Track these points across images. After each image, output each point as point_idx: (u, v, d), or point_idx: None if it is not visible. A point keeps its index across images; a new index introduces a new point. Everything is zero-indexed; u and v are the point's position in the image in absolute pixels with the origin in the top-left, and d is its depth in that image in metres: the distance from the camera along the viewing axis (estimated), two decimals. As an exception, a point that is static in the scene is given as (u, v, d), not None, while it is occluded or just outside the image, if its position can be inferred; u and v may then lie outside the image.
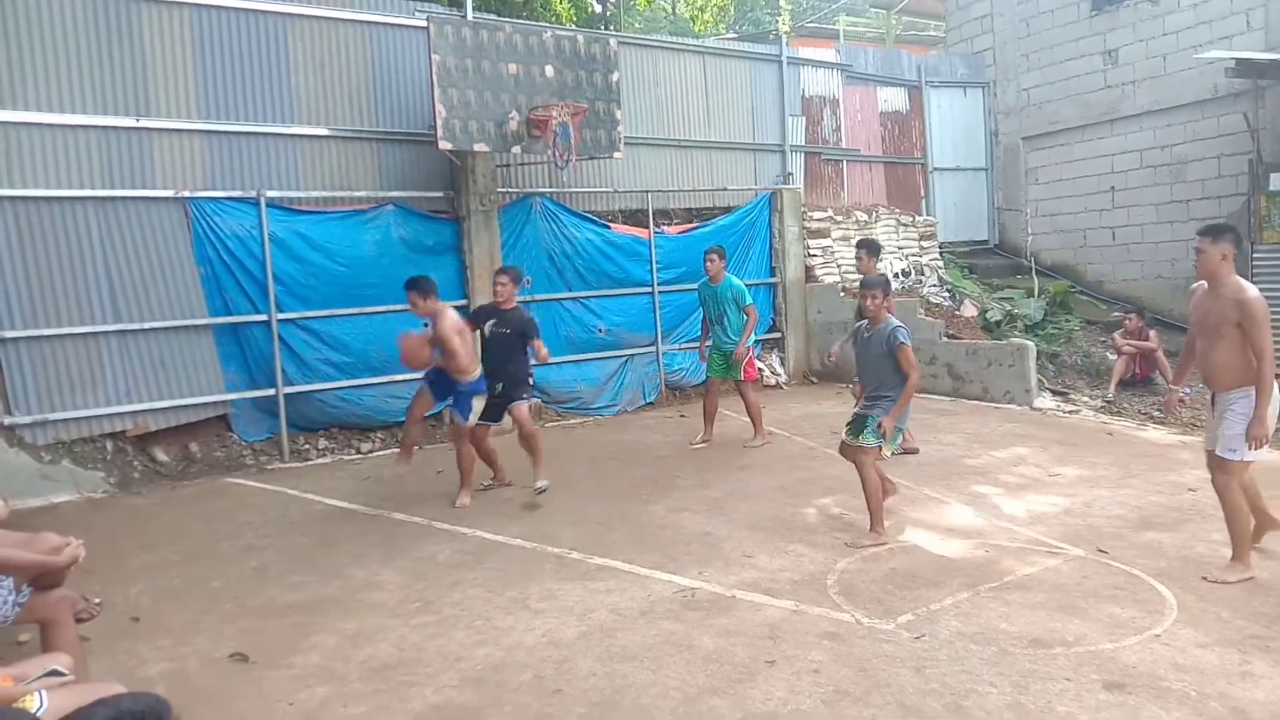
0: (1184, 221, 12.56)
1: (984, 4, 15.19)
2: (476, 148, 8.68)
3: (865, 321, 6.12)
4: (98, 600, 3.97)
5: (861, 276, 8.35)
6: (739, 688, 3.81)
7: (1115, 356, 10.77)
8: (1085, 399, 10.14)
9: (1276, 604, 4.53)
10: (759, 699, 3.73)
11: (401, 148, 9.43)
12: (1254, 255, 11.11)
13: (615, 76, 9.43)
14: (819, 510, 6.41)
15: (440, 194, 9.52)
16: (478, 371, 6.94)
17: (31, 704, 2.73)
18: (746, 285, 8.80)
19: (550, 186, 10.29)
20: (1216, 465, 4.88)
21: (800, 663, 4.03)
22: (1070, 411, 9.62)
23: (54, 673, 3.02)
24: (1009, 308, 12.17)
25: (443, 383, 6.88)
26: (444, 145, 8.44)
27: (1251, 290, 4.70)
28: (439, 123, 8.31)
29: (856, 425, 5.85)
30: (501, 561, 5.58)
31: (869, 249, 8.30)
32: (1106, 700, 3.64)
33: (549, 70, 8.94)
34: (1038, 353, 10.33)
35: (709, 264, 8.48)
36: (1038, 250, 14.39)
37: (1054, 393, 10.29)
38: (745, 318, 8.43)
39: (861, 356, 6.07)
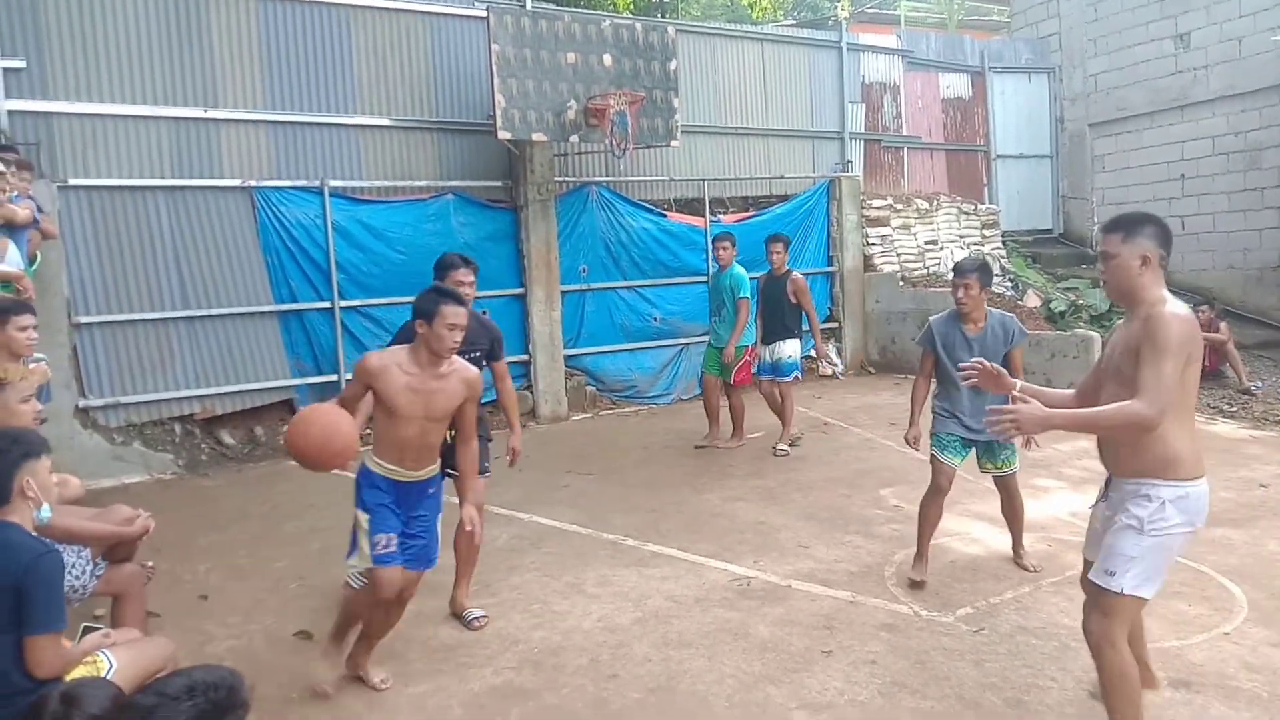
0: (1258, 210, 12.19)
1: (1050, -13, 14.84)
2: (535, 137, 8.74)
3: (950, 321, 4.88)
4: (150, 564, 4.05)
5: (774, 271, 7.94)
6: (795, 677, 3.81)
7: (1184, 349, 10.48)
8: (1152, 392, 9.89)
9: None
10: (816, 689, 3.72)
11: (461, 137, 9.52)
12: (1333, 245, 10.71)
13: (673, 64, 9.40)
14: (876, 501, 6.36)
15: (499, 183, 9.60)
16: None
17: (102, 667, 2.84)
18: (804, 275, 8.60)
19: (607, 175, 10.31)
20: (1093, 597, 3.10)
21: (857, 653, 4.01)
22: (1136, 405, 9.38)
23: (87, 629, 3.13)
24: (1074, 298, 11.91)
25: (410, 493, 3.84)
26: (503, 135, 8.51)
27: (1172, 306, 2.95)
28: (498, 113, 8.37)
29: (988, 452, 4.91)
30: (557, 547, 5.63)
31: (784, 242, 8.07)
32: (1173, 698, 3.56)
33: (607, 59, 8.95)
34: (1103, 344, 10.07)
35: (720, 251, 7.92)
36: (1104, 240, 14.02)
37: (1119, 386, 10.05)
38: (738, 313, 7.73)
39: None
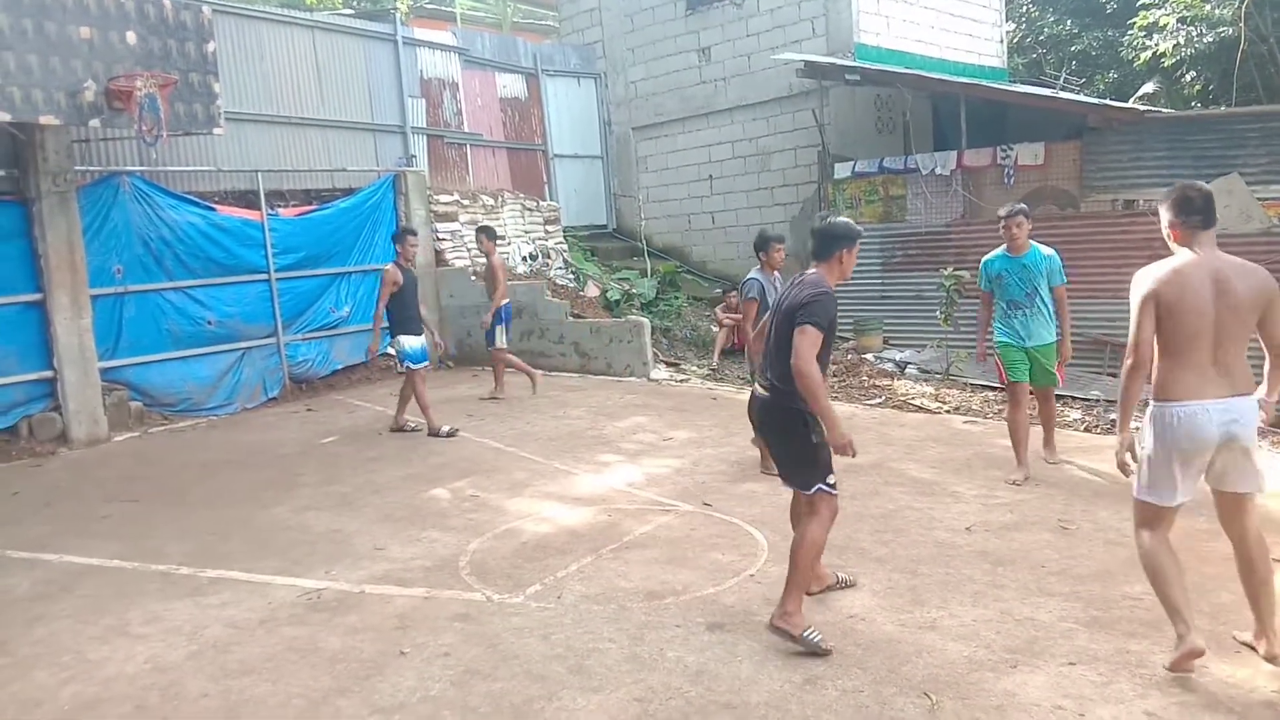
0: (769, 206, 14.13)
1: (592, -2, 15.95)
2: (43, 120, 7.59)
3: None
4: None
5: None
6: (367, 684, 3.72)
7: (717, 329, 11.88)
8: (694, 368, 11.09)
9: (844, 534, 5.17)
10: (388, 692, 3.67)
11: (-57, 117, 7.98)
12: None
13: (211, 46, 8.67)
14: (453, 494, 6.43)
15: (1, 172, 8.21)
16: None
17: None
18: (373, 270, 8.50)
19: (141, 165, 9.29)
20: (1245, 508, 3.50)
21: (431, 649, 4.02)
22: (681, 380, 10.47)
23: None
24: (627, 287, 12.97)
25: None
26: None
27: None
28: (-10, 89, 7.15)
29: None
30: (96, 587, 4.98)
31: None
32: (710, 640, 4.02)
33: (130, 36, 8.02)
34: (652, 328, 11.12)
35: (1015, 228, 6.25)
36: (650, 233, 15.45)
37: (667, 364, 11.15)
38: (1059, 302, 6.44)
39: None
